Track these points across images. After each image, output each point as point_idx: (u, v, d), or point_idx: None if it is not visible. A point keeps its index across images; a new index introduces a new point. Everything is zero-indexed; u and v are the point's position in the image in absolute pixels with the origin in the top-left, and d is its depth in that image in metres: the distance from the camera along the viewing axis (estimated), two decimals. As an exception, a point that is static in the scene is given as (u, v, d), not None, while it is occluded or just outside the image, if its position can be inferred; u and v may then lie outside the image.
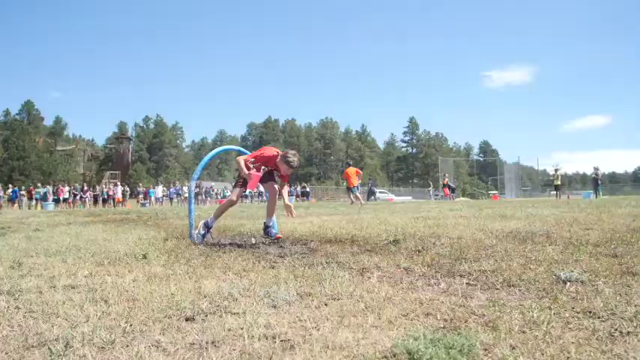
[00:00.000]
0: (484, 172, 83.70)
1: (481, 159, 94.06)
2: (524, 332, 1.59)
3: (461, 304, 1.99)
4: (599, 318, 1.74)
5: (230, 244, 4.48)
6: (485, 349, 1.44)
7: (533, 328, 1.62)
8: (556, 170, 28.18)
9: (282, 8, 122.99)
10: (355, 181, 17.57)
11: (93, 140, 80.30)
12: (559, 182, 27.50)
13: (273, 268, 3.02)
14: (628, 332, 1.58)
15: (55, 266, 3.26)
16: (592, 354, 1.39)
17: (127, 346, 1.58)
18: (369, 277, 2.64)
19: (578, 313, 1.81)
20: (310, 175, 79.17)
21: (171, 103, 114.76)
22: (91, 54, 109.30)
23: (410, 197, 46.76)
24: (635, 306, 1.86)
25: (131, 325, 1.79)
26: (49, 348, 1.56)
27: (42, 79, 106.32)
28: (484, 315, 1.81)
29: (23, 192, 29.38)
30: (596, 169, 23.84)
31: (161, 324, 1.81)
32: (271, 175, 4.77)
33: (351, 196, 17.49)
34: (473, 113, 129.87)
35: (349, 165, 19.49)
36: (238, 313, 1.92)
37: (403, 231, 4.87)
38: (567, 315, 1.78)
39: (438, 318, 1.80)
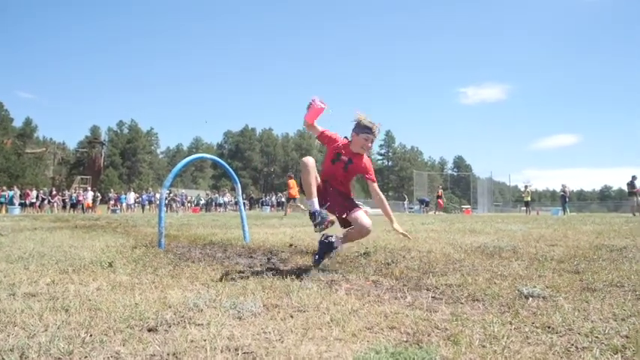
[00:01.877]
0: (457, 186, 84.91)
1: (455, 174, 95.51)
2: (484, 347, 1.62)
3: (425, 317, 2.01)
4: (557, 333, 1.79)
5: (200, 256, 4.42)
6: (445, 363, 1.47)
7: (493, 343, 1.66)
8: (526, 187, 28.89)
9: (260, 15, 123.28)
10: (297, 194, 17.91)
11: (64, 143, 78.22)
12: (529, 198, 28.19)
13: (241, 278, 3.00)
14: (584, 347, 1.63)
15: (16, 273, 3.16)
16: (547, 369, 1.43)
17: (86, 357, 1.54)
18: (337, 290, 2.64)
19: (537, 328, 1.85)
20: (286, 184, 78.94)
21: (147, 109, 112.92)
22: (64, 56, 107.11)
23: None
24: (592, 322, 1.92)
25: (91, 336, 1.75)
26: (2, 359, 1.51)
27: (12, 80, 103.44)
28: (447, 329, 1.84)
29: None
30: (564, 186, 24.51)
31: (122, 334, 1.77)
32: (350, 202, 3.46)
33: (288, 206, 17.95)
34: (448, 128, 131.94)
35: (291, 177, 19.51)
36: (202, 325, 1.90)
37: (374, 243, 4.90)
38: (527, 330, 1.82)
39: (402, 331, 1.82)
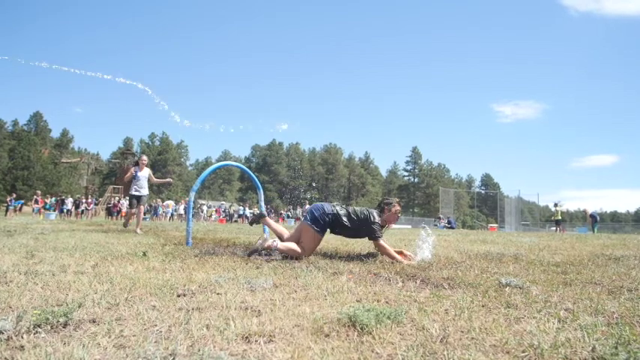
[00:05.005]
0: (485, 204, 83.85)
1: (482, 191, 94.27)
2: (447, 312, 1.97)
3: (408, 295, 2.37)
4: (515, 308, 2.12)
5: (223, 252, 4.84)
6: (411, 319, 1.82)
7: (457, 311, 2.00)
8: (556, 205, 28.49)
9: (290, 33, 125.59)
10: None
11: (98, 154, 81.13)
12: (559, 217, 27.76)
13: (258, 268, 3.40)
14: (533, 317, 1.96)
15: (63, 258, 3.65)
16: (492, 327, 1.77)
17: (130, 307, 1.97)
18: (339, 277, 3.01)
19: (500, 304, 2.19)
20: (312, 198, 79.47)
21: (178, 122, 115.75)
22: (99, 68, 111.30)
23: (409, 226, 46.84)
24: (550, 303, 2.23)
25: (132, 296, 2.18)
26: (66, 304, 1.95)
27: (67, 96, 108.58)
28: (423, 302, 2.19)
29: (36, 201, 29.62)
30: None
31: (157, 297, 2.19)
32: None
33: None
34: (478, 146, 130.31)
35: None
36: (221, 293, 2.31)
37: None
38: (490, 305, 2.16)
39: (383, 302, 2.18)
